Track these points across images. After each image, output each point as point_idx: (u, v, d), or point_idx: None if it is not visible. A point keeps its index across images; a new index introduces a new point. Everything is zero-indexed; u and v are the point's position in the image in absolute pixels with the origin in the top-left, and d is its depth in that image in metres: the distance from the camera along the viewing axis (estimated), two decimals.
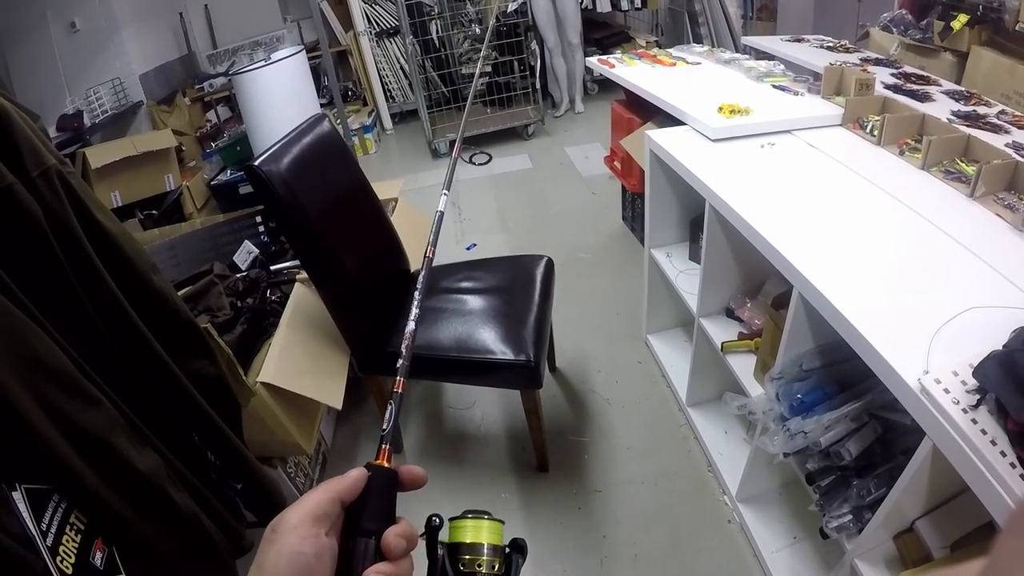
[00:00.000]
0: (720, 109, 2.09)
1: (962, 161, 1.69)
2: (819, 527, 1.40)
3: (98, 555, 0.95)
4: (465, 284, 2.11)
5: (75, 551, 0.90)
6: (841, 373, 1.42)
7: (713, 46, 4.47)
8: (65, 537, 0.90)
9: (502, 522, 0.56)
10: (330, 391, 1.86)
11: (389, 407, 0.58)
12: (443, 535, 0.55)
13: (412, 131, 5.83)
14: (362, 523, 0.50)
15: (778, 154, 1.89)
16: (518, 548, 0.56)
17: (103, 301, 1.10)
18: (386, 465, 0.53)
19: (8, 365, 0.84)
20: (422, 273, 0.71)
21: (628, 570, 1.86)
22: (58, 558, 0.86)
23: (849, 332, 1.18)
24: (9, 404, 0.84)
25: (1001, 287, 1.24)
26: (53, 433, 0.89)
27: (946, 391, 0.99)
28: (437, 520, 0.55)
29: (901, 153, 1.79)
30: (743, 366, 1.79)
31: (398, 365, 0.61)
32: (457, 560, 0.53)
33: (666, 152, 2.00)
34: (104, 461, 0.97)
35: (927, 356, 1.07)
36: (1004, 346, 1.00)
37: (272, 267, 2.31)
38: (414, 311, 0.67)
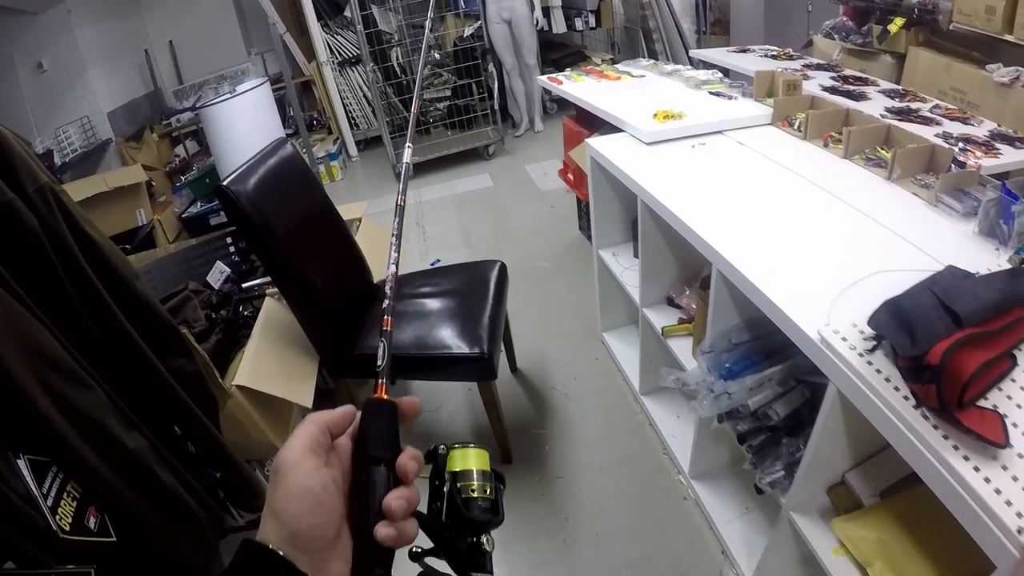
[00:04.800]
0: (655, 115, 2.24)
1: (883, 149, 1.81)
2: (754, 483, 1.50)
3: (92, 520, 1.07)
4: (424, 289, 2.24)
5: (72, 514, 1.02)
6: (769, 345, 1.54)
7: (668, 61, 4.59)
8: (63, 502, 1.01)
9: (486, 451, 0.61)
10: (301, 392, 1.98)
11: (381, 344, 0.64)
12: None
13: (377, 157, 5.93)
14: (374, 452, 0.55)
15: (708, 153, 2.04)
16: (499, 477, 0.60)
17: (94, 303, 1.22)
18: (386, 397, 0.59)
19: (13, 351, 0.97)
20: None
21: (591, 548, 1.97)
22: (57, 517, 0.99)
23: (756, 295, 1.31)
24: (14, 385, 0.96)
25: (912, 255, 1.36)
26: (53, 411, 1.01)
27: (843, 340, 1.11)
28: (444, 449, 0.61)
29: (825, 145, 1.93)
30: (683, 348, 1.92)
31: (384, 306, 0.69)
32: (452, 488, 0.59)
33: (604, 157, 2.14)
34: (97, 438, 1.09)
35: (830, 313, 1.19)
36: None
37: (244, 284, 2.43)
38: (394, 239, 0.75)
